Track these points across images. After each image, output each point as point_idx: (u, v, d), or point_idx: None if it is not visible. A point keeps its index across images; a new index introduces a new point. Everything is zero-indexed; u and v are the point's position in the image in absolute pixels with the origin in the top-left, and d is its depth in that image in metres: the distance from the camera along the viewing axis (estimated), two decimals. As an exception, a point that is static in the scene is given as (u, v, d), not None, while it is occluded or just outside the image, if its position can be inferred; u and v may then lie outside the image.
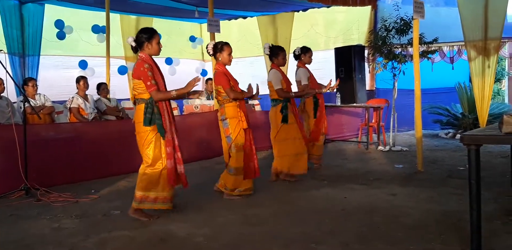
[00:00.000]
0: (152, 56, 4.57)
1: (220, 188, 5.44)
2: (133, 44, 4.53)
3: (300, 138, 6.11)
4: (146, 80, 4.38)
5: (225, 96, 5.26)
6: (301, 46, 6.83)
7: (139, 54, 4.54)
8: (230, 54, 5.32)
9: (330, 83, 6.78)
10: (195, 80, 4.50)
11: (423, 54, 8.36)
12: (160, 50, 4.60)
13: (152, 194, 4.50)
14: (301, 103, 6.84)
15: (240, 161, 5.25)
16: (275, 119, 6.08)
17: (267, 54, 6.24)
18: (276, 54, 6.13)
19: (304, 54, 6.66)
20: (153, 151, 4.44)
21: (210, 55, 5.41)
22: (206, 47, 5.40)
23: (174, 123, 4.58)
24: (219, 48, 5.28)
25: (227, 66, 5.37)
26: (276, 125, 6.08)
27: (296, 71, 6.77)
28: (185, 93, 4.59)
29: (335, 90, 7.57)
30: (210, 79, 9.49)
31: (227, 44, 5.34)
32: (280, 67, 6.22)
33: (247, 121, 5.27)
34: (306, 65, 6.78)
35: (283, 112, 6.01)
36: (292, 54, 6.90)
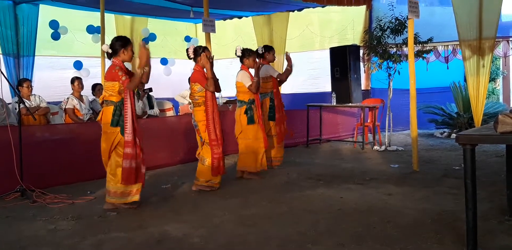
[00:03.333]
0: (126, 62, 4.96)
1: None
2: (109, 50, 4.92)
3: (260, 138, 6.37)
4: (118, 78, 4.76)
5: (196, 98, 5.64)
6: (263, 45, 7.28)
7: (112, 60, 4.92)
8: None
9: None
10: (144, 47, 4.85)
11: (418, 54, 8.38)
12: (132, 57, 4.99)
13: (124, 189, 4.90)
14: (262, 103, 6.97)
15: (210, 156, 5.65)
16: (239, 120, 6.39)
17: (238, 56, 6.46)
18: (248, 55, 6.43)
19: (268, 52, 6.96)
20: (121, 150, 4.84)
21: (190, 58, 5.79)
22: (187, 51, 5.77)
23: (138, 126, 4.94)
24: (201, 52, 5.68)
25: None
26: (240, 125, 6.39)
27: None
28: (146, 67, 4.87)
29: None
30: None
31: (207, 48, 5.84)
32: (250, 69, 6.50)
33: (212, 124, 5.59)
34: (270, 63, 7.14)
35: (248, 114, 6.33)
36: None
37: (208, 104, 5.59)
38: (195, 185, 5.77)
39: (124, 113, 4.81)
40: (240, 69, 6.46)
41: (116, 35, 10.75)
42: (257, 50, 6.97)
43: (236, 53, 6.39)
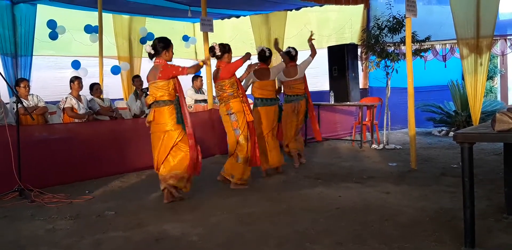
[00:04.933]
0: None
1: (225, 177, 5.78)
2: (152, 52, 5.02)
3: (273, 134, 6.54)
4: (177, 69, 4.93)
5: (231, 93, 5.62)
6: (293, 46, 7.29)
7: (155, 60, 5.02)
8: None
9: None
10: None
11: (416, 53, 8.37)
12: (172, 58, 5.12)
13: None
14: (297, 105, 7.04)
15: (248, 150, 5.67)
16: (273, 117, 6.43)
17: (267, 56, 6.49)
18: (270, 57, 6.57)
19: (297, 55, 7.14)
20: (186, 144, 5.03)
21: (215, 55, 5.71)
22: (213, 49, 5.69)
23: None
24: (228, 49, 5.73)
25: None
26: (271, 121, 6.42)
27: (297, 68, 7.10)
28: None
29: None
30: (196, 76, 9.57)
31: (229, 45, 5.84)
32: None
33: (251, 115, 5.69)
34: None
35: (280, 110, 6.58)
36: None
37: (244, 94, 5.70)
38: (232, 183, 5.76)
39: (182, 109, 5.01)
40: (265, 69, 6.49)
41: (114, 35, 10.88)
42: (290, 53, 7.05)
43: (266, 54, 6.45)
